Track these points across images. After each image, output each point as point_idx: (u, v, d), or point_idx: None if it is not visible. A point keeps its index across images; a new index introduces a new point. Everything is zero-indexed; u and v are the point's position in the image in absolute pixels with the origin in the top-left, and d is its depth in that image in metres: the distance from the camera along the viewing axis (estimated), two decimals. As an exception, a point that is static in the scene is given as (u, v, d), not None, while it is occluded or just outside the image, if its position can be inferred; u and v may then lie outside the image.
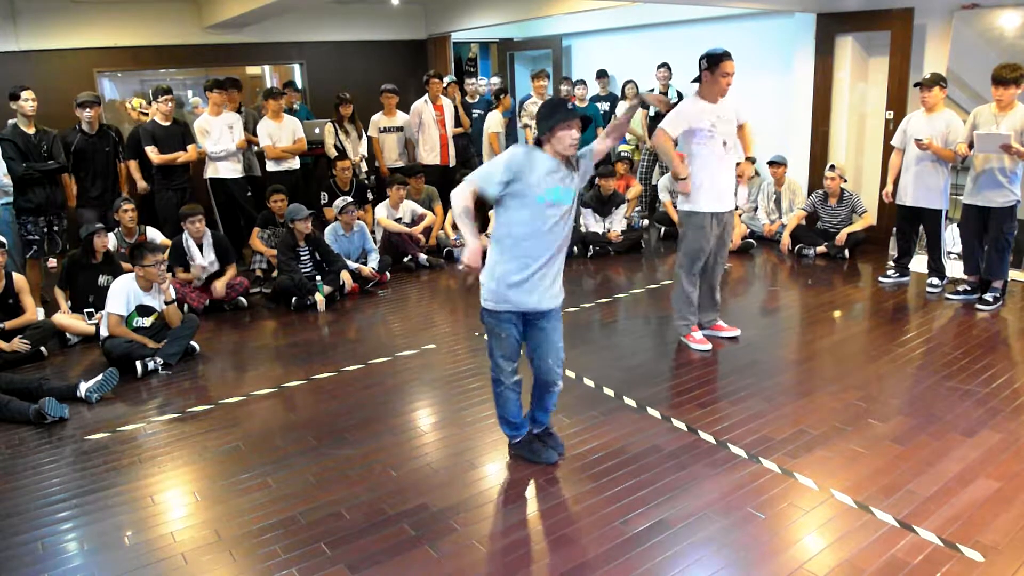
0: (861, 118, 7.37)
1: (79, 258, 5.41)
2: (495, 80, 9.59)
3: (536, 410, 3.43)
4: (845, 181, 6.94)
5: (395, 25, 9.87)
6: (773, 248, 7.22)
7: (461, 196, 3.04)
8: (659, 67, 8.43)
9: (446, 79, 8.23)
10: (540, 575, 2.64)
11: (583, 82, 8.88)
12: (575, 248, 7.12)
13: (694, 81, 4.55)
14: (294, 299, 5.89)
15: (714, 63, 4.37)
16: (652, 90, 8.58)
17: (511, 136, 9.21)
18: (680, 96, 8.51)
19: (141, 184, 6.61)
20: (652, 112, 8.54)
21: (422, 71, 8.96)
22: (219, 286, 5.86)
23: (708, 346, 4.72)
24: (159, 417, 4.07)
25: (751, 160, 4.51)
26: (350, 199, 6.62)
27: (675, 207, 7.77)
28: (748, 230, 7.41)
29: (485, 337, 3.36)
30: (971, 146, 5.19)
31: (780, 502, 3.02)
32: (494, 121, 8.35)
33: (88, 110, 6.09)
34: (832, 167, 6.85)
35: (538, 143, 3.12)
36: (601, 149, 3.37)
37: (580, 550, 2.75)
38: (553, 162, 3.08)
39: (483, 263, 3.08)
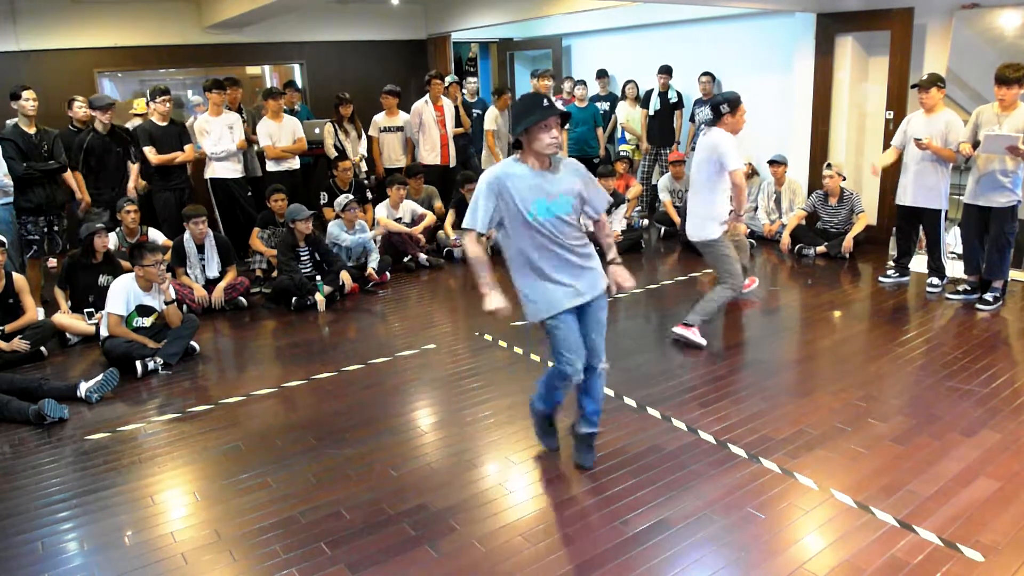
0: (861, 118, 7.37)
1: (79, 258, 5.41)
2: (471, 80, 9.35)
3: (587, 402, 3.27)
4: (844, 179, 6.94)
5: (395, 25, 9.87)
6: (773, 248, 7.22)
7: (469, 246, 3.08)
8: (659, 72, 8.42)
9: (447, 79, 8.23)
10: (540, 575, 2.64)
11: (583, 82, 8.88)
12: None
13: (715, 107, 4.77)
14: (294, 299, 5.89)
15: (735, 106, 4.72)
16: (651, 90, 8.57)
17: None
18: (680, 96, 8.52)
19: (140, 183, 6.64)
20: (652, 112, 8.55)
21: (422, 71, 8.95)
22: (217, 293, 5.86)
23: (704, 342, 4.76)
24: (159, 417, 4.07)
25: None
26: (352, 196, 6.62)
27: (675, 207, 7.78)
28: (748, 230, 7.41)
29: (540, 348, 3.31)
30: (975, 146, 5.19)
31: (780, 502, 3.02)
32: (490, 118, 8.25)
33: (105, 112, 6.21)
34: (828, 165, 6.84)
35: (518, 145, 3.03)
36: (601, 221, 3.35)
37: (580, 550, 2.75)
38: (531, 173, 3.00)
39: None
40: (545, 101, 2.95)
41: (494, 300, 3.03)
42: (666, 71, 8.39)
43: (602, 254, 3.31)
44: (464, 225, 3.08)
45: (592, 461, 3.33)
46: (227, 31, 8.47)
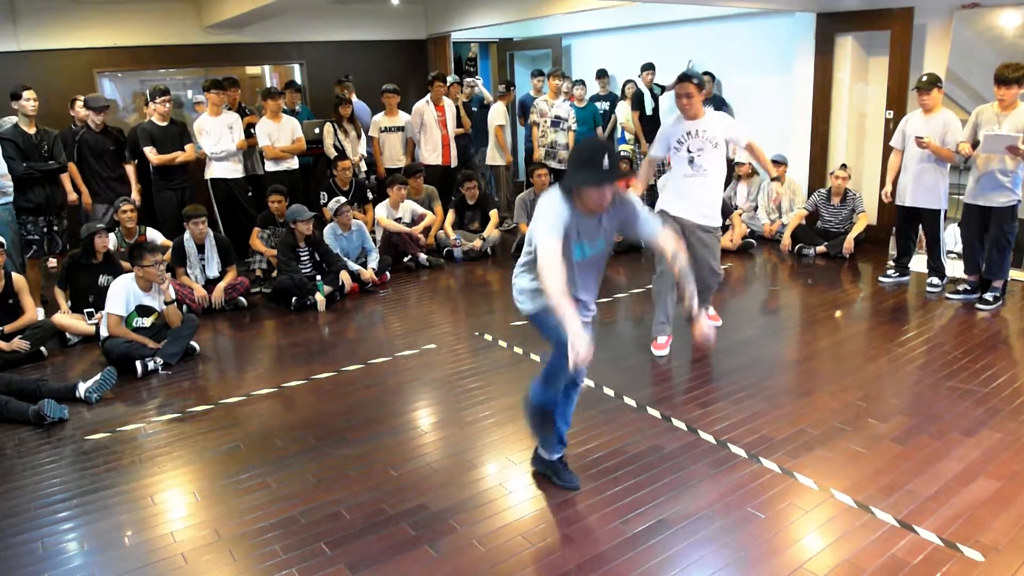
0: (861, 118, 7.37)
1: (79, 258, 5.41)
2: (476, 80, 9.54)
3: (562, 424, 3.15)
4: (849, 178, 6.95)
5: (395, 25, 9.87)
6: (773, 248, 7.22)
7: (552, 272, 2.57)
8: (643, 69, 8.42)
9: (448, 79, 8.24)
10: (540, 575, 2.64)
11: (582, 82, 8.87)
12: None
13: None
14: (294, 299, 5.89)
15: (673, 86, 4.52)
16: (640, 92, 8.55)
17: (512, 132, 9.29)
18: (662, 89, 8.53)
19: (137, 186, 6.65)
20: (649, 111, 8.55)
21: (422, 71, 8.95)
22: (217, 293, 5.86)
23: (664, 352, 4.63)
24: (159, 417, 4.07)
25: (776, 179, 4.81)
26: (343, 200, 6.59)
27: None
28: (748, 230, 7.41)
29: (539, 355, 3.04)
30: (975, 146, 5.19)
31: (780, 502, 3.02)
32: (498, 113, 8.37)
33: (101, 114, 6.23)
34: (844, 166, 6.85)
35: (567, 190, 2.73)
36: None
37: (580, 550, 2.75)
38: (578, 217, 2.74)
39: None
40: (606, 162, 2.61)
41: (586, 349, 2.51)
42: (650, 68, 8.41)
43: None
44: (545, 239, 2.66)
45: (577, 480, 3.20)
46: (227, 31, 8.47)
